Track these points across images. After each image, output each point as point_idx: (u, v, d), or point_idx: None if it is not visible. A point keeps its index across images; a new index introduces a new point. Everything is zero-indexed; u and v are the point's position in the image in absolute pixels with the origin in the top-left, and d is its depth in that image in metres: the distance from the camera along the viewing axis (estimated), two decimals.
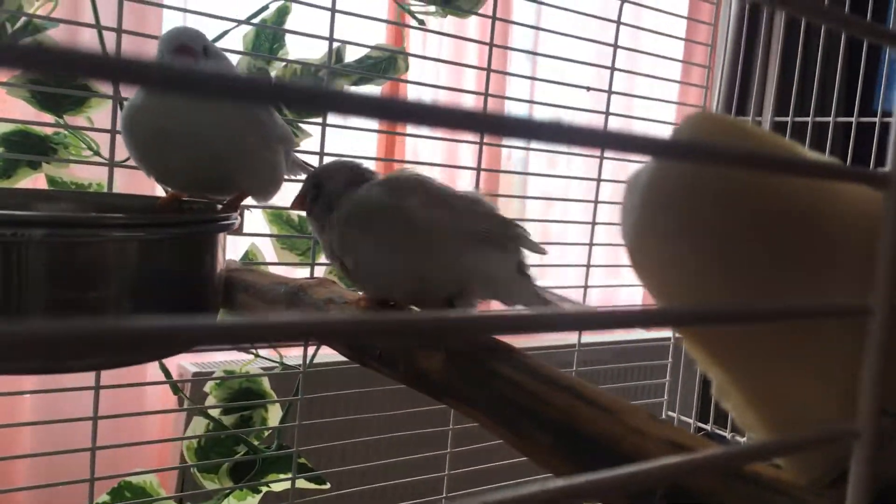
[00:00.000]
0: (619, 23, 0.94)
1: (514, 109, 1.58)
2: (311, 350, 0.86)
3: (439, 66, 1.39)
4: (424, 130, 1.42)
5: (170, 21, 1.17)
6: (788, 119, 0.97)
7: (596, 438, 0.29)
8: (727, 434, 0.95)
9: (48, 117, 0.78)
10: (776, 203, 0.22)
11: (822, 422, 0.23)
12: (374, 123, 1.32)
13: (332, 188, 0.49)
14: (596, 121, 1.33)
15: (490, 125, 0.16)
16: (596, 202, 0.98)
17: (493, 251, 0.48)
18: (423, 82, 1.29)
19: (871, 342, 0.20)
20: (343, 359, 0.98)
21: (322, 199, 0.50)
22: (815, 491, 0.24)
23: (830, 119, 0.93)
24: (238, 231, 0.72)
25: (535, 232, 1.62)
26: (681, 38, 1.42)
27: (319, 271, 0.86)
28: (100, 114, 0.80)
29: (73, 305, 0.36)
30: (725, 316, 0.19)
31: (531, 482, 0.17)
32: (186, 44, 0.45)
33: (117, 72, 0.12)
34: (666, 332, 1.23)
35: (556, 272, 1.46)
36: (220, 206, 0.45)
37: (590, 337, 1.15)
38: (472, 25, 1.41)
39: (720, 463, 0.22)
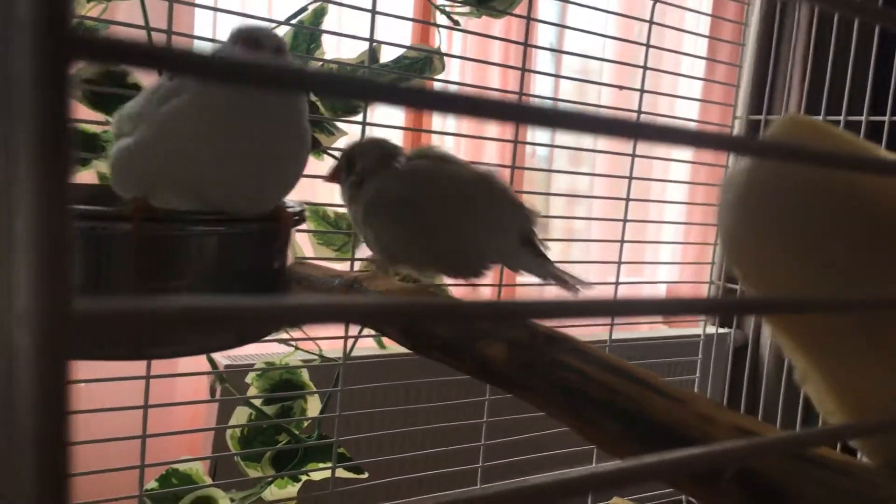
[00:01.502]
0: (651, 22, 0.95)
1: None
2: (349, 342, 0.88)
3: (464, 65, 1.40)
4: (451, 127, 1.44)
5: (202, 22, 1.18)
6: (820, 118, 0.98)
7: (666, 425, 0.31)
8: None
9: (98, 116, 0.81)
10: (864, 202, 0.24)
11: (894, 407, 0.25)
12: (400, 119, 1.34)
13: (363, 166, 0.54)
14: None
15: (548, 118, 0.17)
16: (627, 199, 0.99)
17: (498, 228, 0.51)
18: (450, 80, 1.30)
19: None
20: (380, 351, 1.00)
21: (353, 175, 0.54)
22: (883, 473, 0.26)
23: (863, 118, 0.94)
24: None
25: (559, 229, 1.62)
26: (708, 37, 1.42)
27: (358, 267, 0.88)
28: None
29: (157, 294, 0.39)
30: (814, 304, 0.20)
31: (606, 464, 0.18)
32: (257, 37, 0.43)
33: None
34: (696, 329, 1.24)
35: (582, 268, 1.48)
36: (290, 206, 0.46)
37: (620, 333, 1.16)
38: (497, 24, 1.42)
39: (789, 445, 0.24)
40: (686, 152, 1.48)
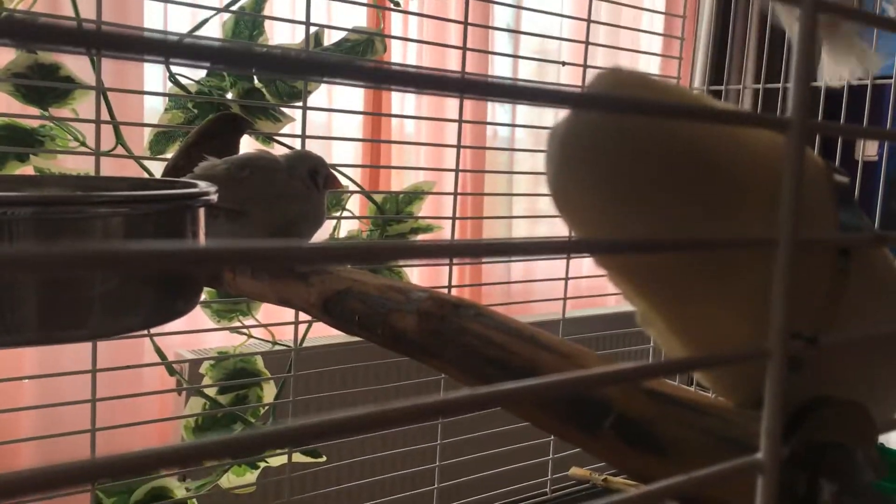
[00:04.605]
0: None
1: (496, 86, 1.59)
2: (301, 329, 0.88)
3: (422, 47, 1.40)
4: (409, 110, 1.43)
5: (152, 12, 1.16)
6: (760, 87, 1.00)
7: None
8: (711, 395, 0.97)
9: (33, 110, 0.80)
10: (685, 150, 0.25)
11: (738, 344, 0.26)
12: (358, 105, 1.33)
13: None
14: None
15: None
16: None
17: None
18: (404, 64, 1.30)
19: (779, 271, 0.22)
20: (332, 338, 1.00)
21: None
22: (741, 412, 0.27)
23: (822, 84, 0.96)
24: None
25: (522, 208, 1.62)
26: (659, 12, 1.43)
27: None
28: (84, 105, 0.81)
29: (62, 279, 0.39)
30: (643, 246, 0.21)
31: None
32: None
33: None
34: None
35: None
36: (201, 184, 0.46)
37: (574, 312, 1.17)
38: (454, 5, 1.42)
39: (628, 376, 0.24)
40: None
